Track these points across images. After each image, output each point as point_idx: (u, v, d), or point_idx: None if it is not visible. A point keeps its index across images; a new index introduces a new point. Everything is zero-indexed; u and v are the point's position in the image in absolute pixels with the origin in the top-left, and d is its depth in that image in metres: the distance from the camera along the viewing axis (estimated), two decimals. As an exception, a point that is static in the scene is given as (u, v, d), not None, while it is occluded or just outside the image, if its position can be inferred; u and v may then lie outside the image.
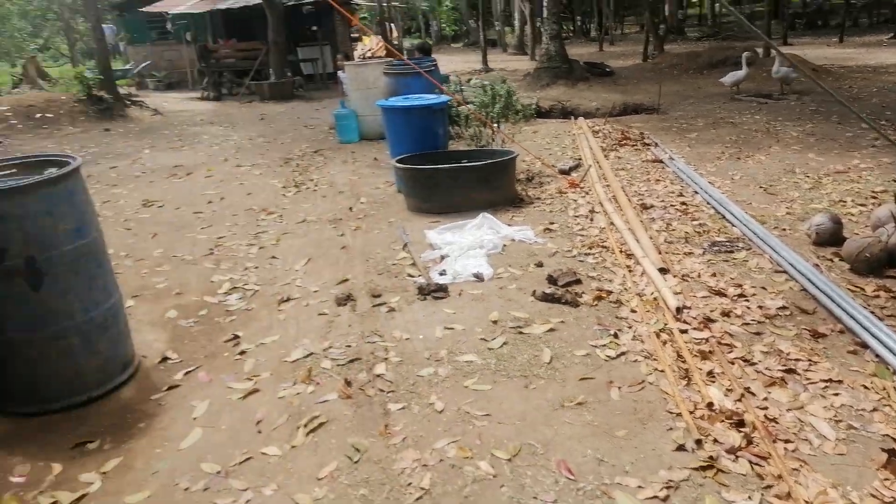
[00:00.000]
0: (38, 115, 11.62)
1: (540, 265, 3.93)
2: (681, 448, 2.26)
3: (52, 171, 2.60)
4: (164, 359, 3.20)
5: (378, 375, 2.85)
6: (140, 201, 6.36)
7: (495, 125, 6.10)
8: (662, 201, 5.19)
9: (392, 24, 20.60)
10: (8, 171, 2.82)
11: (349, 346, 3.15)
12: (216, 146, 9.42)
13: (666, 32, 21.69)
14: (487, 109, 6.00)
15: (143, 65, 17.65)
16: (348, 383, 2.80)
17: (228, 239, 5.04)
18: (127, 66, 17.98)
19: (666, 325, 3.11)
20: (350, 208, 5.66)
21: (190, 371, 3.07)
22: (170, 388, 2.93)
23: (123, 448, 2.51)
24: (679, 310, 3.19)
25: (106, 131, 11.25)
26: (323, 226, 5.23)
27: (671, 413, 2.46)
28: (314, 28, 17.36)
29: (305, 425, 2.53)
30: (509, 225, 4.64)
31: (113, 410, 2.78)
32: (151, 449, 2.50)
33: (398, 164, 5.29)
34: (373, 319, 3.43)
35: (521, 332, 3.13)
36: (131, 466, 2.41)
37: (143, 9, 17.09)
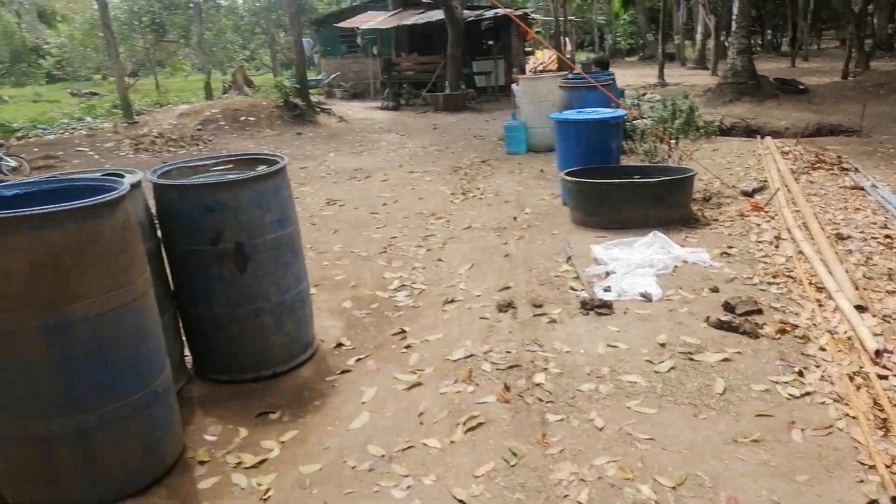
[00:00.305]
0: (242, 118, 13.05)
1: (715, 290, 3.70)
2: (873, 503, 2.03)
3: (263, 169, 2.92)
4: (339, 345, 3.45)
5: (537, 384, 2.86)
6: (324, 200, 6.91)
7: (673, 141, 5.85)
8: (862, 232, 4.66)
9: (566, 38, 20.52)
10: (226, 167, 3.21)
11: (509, 353, 3.18)
12: (392, 153, 9.98)
13: (873, 48, 19.45)
14: (666, 125, 5.77)
15: (334, 76, 19.14)
16: (507, 388, 2.83)
17: (400, 239, 5.31)
18: (319, 77, 19.61)
19: (861, 368, 2.79)
20: (515, 218, 5.72)
21: (360, 358, 3.28)
22: (342, 371, 3.16)
23: (300, 422, 2.74)
24: (879, 353, 2.85)
25: (298, 135, 12.35)
26: (487, 233, 5.33)
27: (863, 464, 2.21)
28: (490, 42, 17.79)
29: (465, 423, 2.60)
30: (682, 245, 4.43)
31: (293, 387, 3.04)
32: (324, 426, 2.70)
33: (567, 177, 5.26)
34: (533, 329, 3.44)
35: (691, 359, 2.98)
36: (306, 439, 2.62)
37: (338, 24, 18.54)
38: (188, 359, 3.19)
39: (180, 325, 3.05)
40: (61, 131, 12.45)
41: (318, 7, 25.49)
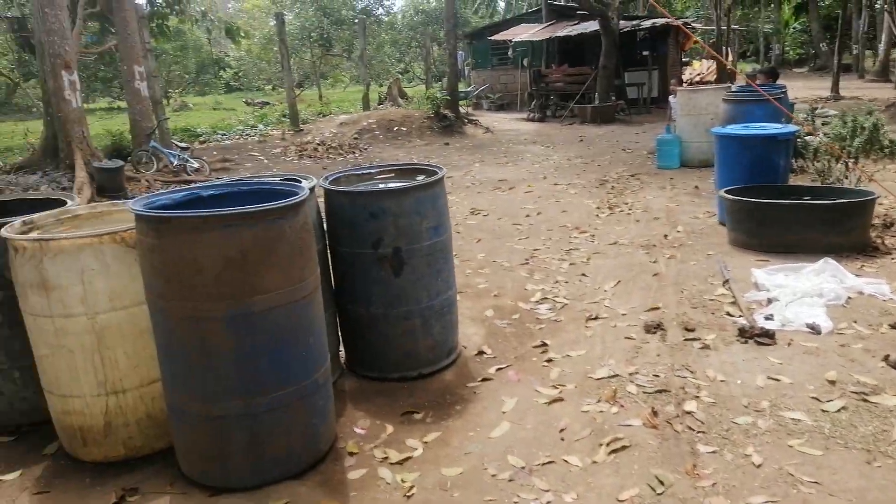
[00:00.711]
0: (395, 128, 13.68)
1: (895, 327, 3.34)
2: None
3: (423, 178, 3.06)
4: (480, 352, 3.51)
5: (688, 412, 2.73)
6: (469, 209, 7.06)
7: (851, 160, 5.34)
8: None
9: (728, 48, 19.39)
10: (388, 175, 3.40)
11: (657, 376, 3.07)
12: (537, 164, 9.98)
13: None
14: (845, 142, 5.28)
15: (483, 87, 19.50)
16: (655, 413, 2.73)
17: (542, 252, 5.30)
18: (469, 89, 20.07)
19: None
20: (665, 235, 5.50)
21: (501, 368, 3.31)
22: (483, 379, 3.21)
23: (442, 425, 2.83)
24: None
25: (445, 145, 12.73)
26: (635, 250, 5.18)
27: None
28: (645, 53, 17.25)
29: (608, 444, 2.55)
30: (857, 275, 4.03)
31: (436, 389, 3.14)
32: (465, 431, 2.76)
33: (727, 195, 4.97)
34: (684, 353, 3.29)
35: (865, 400, 2.70)
36: (448, 442, 2.69)
37: (491, 37, 18.88)
38: (341, 354, 3.40)
39: (338, 321, 3.26)
40: (237, 137, 13.77)
41: (472, 21, 26.13)
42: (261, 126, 14.85)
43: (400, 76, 25.67)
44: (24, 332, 2.68)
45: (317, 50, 23.37)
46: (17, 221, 2.66)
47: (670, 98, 8.83)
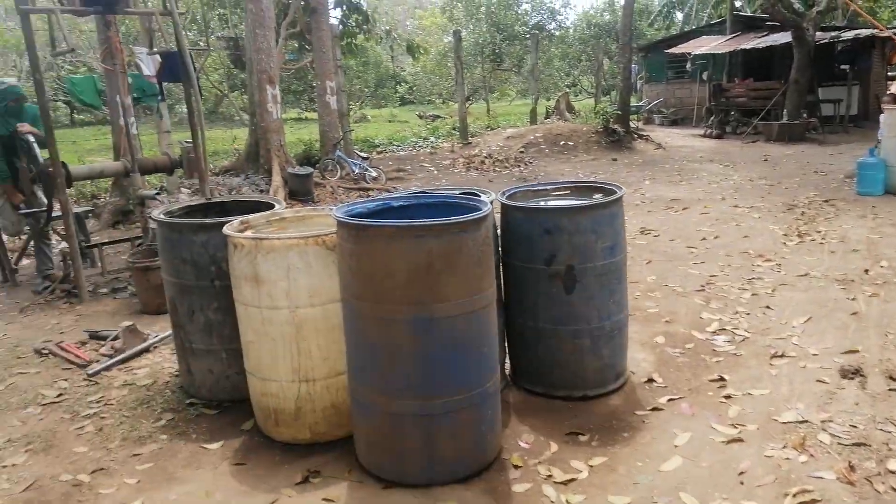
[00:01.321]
0: (562, 143, 13.59)
1: None
2: None
3: (600, 197, 3.03)
4: (650, 380, 3.38)
5: (892, 472, 2.43)
6: (638, 228, 6.83)
7: None
8: None
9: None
10: (562, 193, 3.40)
11: (854, 427, 2.77)
12: (714, 184, 9.41)
13: None
14: None
15: (655, 102, 18.80)
16: (852, 468, 2.46)
17: (720, 278, 4.99)
18: (640, 103, 19.45)
19: None
20: (866, 270, 4.94)
21: (673, 399, 3.17)
22: (653, 408, 3.09)
23: (609, 450, 2.76)
24: None
25: (613, 161, 12.43)
26: (829, 284, 4.70)
27: None
28: (844, 67, 15.62)
29: (794, 495, 2.34)
30: None
31: (602, 413, 3.08)
32: (633, 460, 2.68)
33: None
34: (889, 405, 2.94)
35: None
36: (614, 469, 2.63)
37: (668, 50, 18.16)
38: (507, 366, 3.45)
39: (505, 334, 3.31)
40: (410, 148, 14.48)
41: (647, 33, 25.33)
42: (432, 138, 15.49)
43: (568, 90, 25.51)
44: (233, 319, 3.04)
45: (487, 65, 23.94)
46: (236, 221, 3.02)
47: (881, 116, 7.91)
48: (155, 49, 5.40)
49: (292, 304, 2.72)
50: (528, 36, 24.11)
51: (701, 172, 10.58)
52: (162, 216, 3.30)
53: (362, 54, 21.59)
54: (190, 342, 3.29)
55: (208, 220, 3.14)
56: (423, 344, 2.38)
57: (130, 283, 5.56)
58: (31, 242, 5.71)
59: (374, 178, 10.47)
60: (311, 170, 9.35)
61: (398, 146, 14.72)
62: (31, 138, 4.98)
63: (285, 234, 2.74)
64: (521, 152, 13.08)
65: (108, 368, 3.82)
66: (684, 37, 19.69)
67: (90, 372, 3.75)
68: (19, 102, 5.19)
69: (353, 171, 10.45)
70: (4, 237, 5.83)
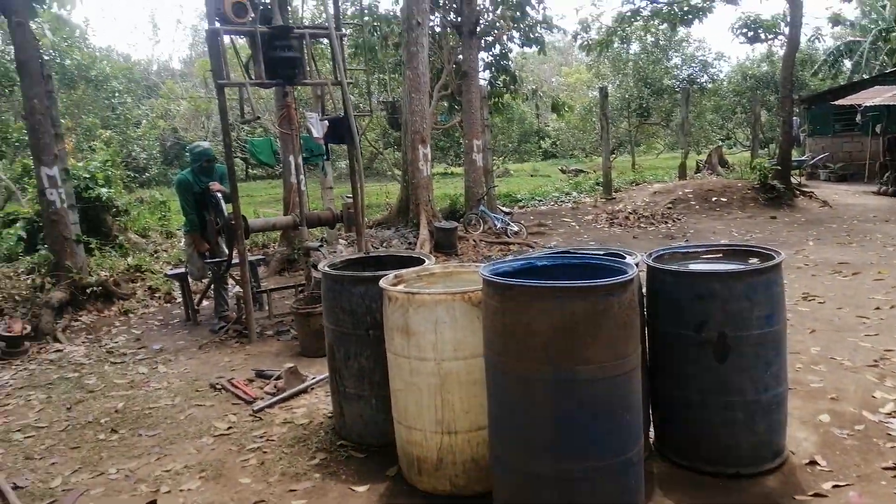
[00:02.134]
0: (714, 199, 12.99)
1: None
2: None
3: (756, 262, 2.91)
4: (812, 462, 3.11)
5: None
6: (800, 293, 6.34)
7: None
8: None
9: None
10: (714, 256, 3.30)
11: None
12: (890, 247, 8.53)
13: None
14: None
15: (821, 156, 17.49)
16: None
17: (898, 354, 4.51)
18: (803, 157, 18.17)
19: None
20: None
21: (839, 486, 2.89)
22: (815, 494, 2.84)
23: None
24: None
25: (772, 219, 11.66)
26: None
27: None
28: None
29: None
30: None
31: (757, 493, 2.88)
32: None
33: None
34: None
35: None
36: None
37: (836, 101, 16.94)
38: (650, 434, 3.33)
39: (650, 401, 3.22)
40: (552, 203, 14.54)
41: (810, 84, 23.76)
42: (574, 193, 15.46)
43: (721, 143, 24.40)
44: (383, 367, 3.24)
45: (634, 119, 23.64)
46: (391, 275, 3.25)
47: None
48: (325, 116, 5.97)
49: (438, 356, 2.86)
50: (677, 90, 23.58)
51: (875, 234, 9.63)
52: (326, 268, 3.62)
53: (507, 112, 22.18)
54: (344, 386, 3.54)
55: (366, 274, 3.40)
56: (564, 405, 2.40)
57: (292, 326, 6.06)
58: (212, 286, 6.44)
59: (516, 233, 10.63)
60: (455, 224, 9.71)
61: (540, 201, 14.84)
62: (220, 195, 5.69)
63: (434, 290, 2.91)
64: (669, 208, 12.66)
65: (270, 406, 4.18)
66: (854, 87, 18.24)
67: (255, 408, 4.13)
68: (211, 163, 5.96)
69: (496, 226, 10.69)
70: (190, 281, 6.62)
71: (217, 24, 5.12)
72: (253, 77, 5.43)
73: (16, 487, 3.35)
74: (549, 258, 2.94)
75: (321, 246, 6.07)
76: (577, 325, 2.36)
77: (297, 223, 6.07)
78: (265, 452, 3.58)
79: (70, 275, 6.91)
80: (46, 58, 13.03)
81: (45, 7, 6.43)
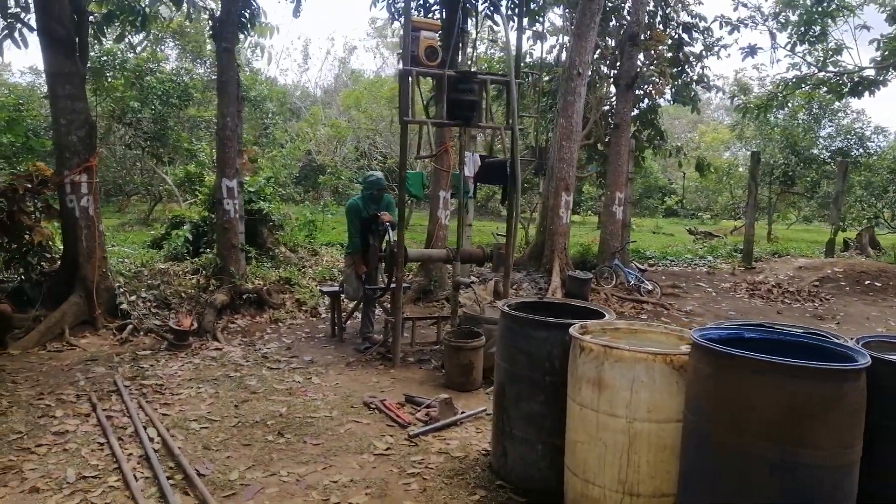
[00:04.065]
0: (867, 282, 12.04)
1: None
2: None
3: None
4: None
5: None
6: None
7: None
8: None
9: None
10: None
11: None
12: None
13: None
14: None
15: None
16: None
17: None
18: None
19: None
20: None
21: None
22: None
23: None
24: None
25: (937, 311, 10.63)
26: None
27: None
28: None
29: None
30: None
31: None
32: None
33: None
34: None
35: None
36: None
37: None
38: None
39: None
40: (685, 265, 14.03)
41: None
42: (709, 257, 14.84)
43: (868, 222, 22.62)
44: (555, 413, 3.25)
45: (776, 186, 22.47)
46: (577, 325, 3.25)
47: None
48: (491, 158, 6.16)
49: (631, 414, 2.82)
50: (827, 161, 22.23)
51: None
52: (506, 308, 3.69)
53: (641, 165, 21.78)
54: (510, 427, 3.56)
55: (552, 320, 3.43)
56: (781, 488, 2.29)
57: (433, 356, 6.19)
58: (361, 307, 6.72)
59: (649, 291, 10.33)
60: (590, 276, 9.59)
61: (672, 261, 14.36)
62: (388, 225, 5.97)
63: (636, 347, 2.89)
64: (816, 286, 11.86)
65: (425, 433, 4.27)
66: None
67: (412, 433, 4.24)
68: (382, 192, 6.28)
69: (629, 282, 10.44)
70: (342, 299, 6.95)
71: (409, 66, 5.45)
72: (433, 116, 5.70)
73: (200, 474, 3.61)
74: (758, 331, 2.85)
75: (472, 283, 6.19)
76: (807, 407, 2.26)
77: (450, 258, 6.24)
78: (426, 479, 3.65)
79: (233, 280, 7.46)
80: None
81: (249, 34, 7.10)
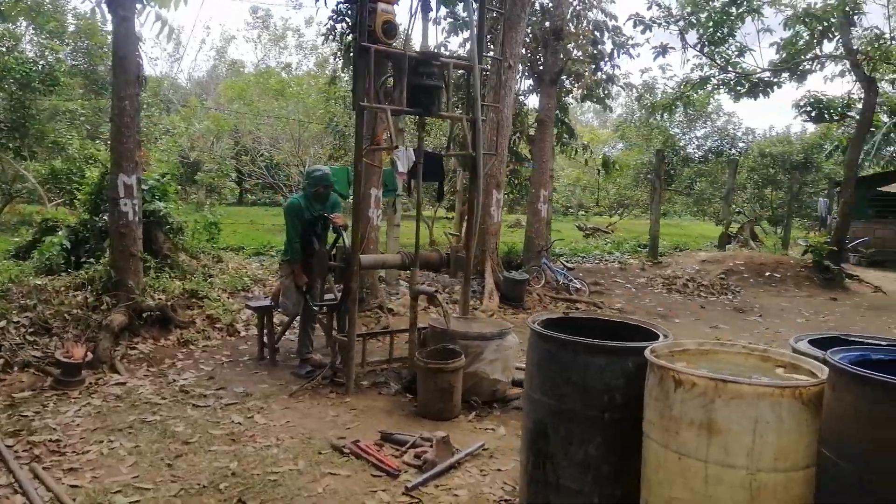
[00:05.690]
0: (767, 274, 12.62)
1: None
2: None
3: None
4: None
5: None
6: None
7: None
8: None
9: None
10: None
11: None
12: None
13: None
14: None
15: (861, 240, 17.35)
16: None
17: None
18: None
19: None
20: None
21: None
22: None
23: None
24: None
25: (832, 300, 11.28)
26: None
27: None
28: None
29: None
30: None
31: None
32: None
33: None
34: None
35: None
36: None
37: (881, 188, 16.95)
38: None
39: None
40: (596, 261, 14.08)
41: (824, 167, 23.87)
42: (617, 253, 15.04)
43: (749, 215, 24.28)
44: (616, 459, 2.69)
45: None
46: (647, 349, 2.66)
47: None
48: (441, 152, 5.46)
49: (753, 465, 2.26)
50: (701, 160, 23.61)
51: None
52: (540, 328, 3.03)
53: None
54: (557, 476, 2.90)
55: (613, 344, 2.81)
56: None
57: (389, 377, 5.41)
58: (298, 324, 5.78)
59: (578, 290, 10.10)
60: (526, 276, 9.17)
61: (584, 257, 14.38)
62: (342, 230, 5.11)
63: (757, 381, 2.33)
64: (722, 278, 12.25)
65: (424, 483, 3.51)
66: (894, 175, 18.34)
67: (409, 486, 3.46)
68: (328, 189, 5.37)
69: (558, 281, 10.15)
70: (273, 316, 5.95)
71: (366, 42, 4.63)
72: (394, 103, 4.93)
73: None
74: (889, 352, 2.39)
75: (437, 292, 5.46)
76: None
77: (407, 263, 5.48)
78: (452, 551, 2.91)
79: (132, 296, 6.21)
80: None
81: (148, 4, 5.90)
